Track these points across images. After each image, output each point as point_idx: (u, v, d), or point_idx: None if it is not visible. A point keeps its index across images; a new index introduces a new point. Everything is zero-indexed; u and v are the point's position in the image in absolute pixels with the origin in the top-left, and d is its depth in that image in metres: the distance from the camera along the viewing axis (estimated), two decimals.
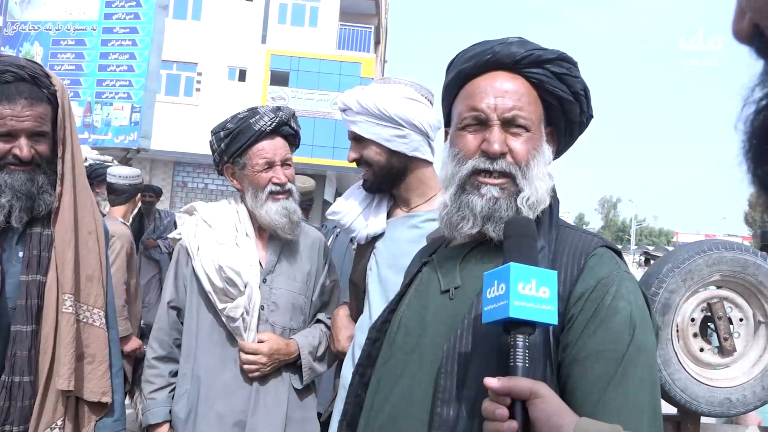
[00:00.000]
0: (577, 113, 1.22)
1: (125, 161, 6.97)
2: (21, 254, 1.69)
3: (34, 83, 1.64)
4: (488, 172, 1.15)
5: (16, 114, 1.59)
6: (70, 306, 1.69)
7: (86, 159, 4.91)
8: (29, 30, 7.32)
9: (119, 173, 4.35)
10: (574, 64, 1.21)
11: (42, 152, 1.67)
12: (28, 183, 1.65)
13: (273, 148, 1.98)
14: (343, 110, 1.89)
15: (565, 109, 1.21)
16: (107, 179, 4.31)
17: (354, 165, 1.93)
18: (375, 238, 1.90)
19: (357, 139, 1.85)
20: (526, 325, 0.94)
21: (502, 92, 1.16)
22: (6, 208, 1.64)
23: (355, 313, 1.95)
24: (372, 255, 1.88)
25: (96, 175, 4.70)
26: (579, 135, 1.28)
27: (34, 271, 1.67)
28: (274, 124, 1.97)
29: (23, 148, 1.62)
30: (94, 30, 7.09)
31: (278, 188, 1.98)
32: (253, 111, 2.01)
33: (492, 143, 1.14)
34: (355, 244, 2.05)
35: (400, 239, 1.84)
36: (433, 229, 1.76)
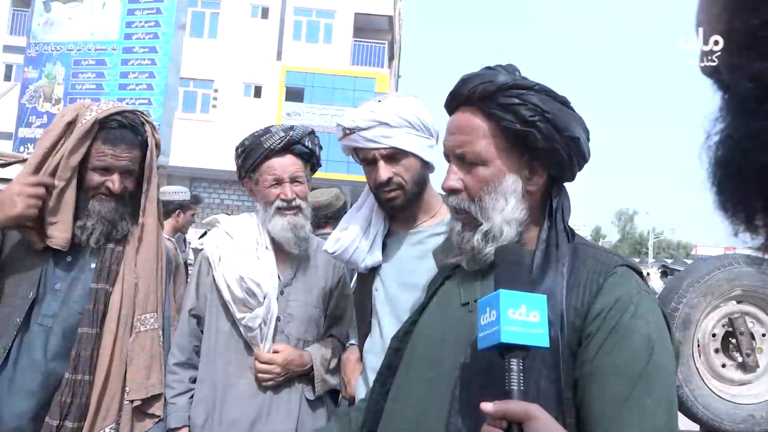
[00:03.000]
0: (536, 140, 1.15)
1: None
2: (93, 265, 1.93)
3: (132, 130, 1.95)
4: (454, 209, 1.23)
5: (116, 154, 1.90)
6: (153, 323, 1.97)
7: None
8: (51, 51, 7.48)
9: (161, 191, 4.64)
10: (529, 88, 1.16)
11: (129, 187, 1.97)
12: (113, 211, 1.93)
13: (282, 165, 2.04)
14: (366, 128, 1.76)
15: (521, 137, 1.17)
16: None
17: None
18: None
19: (390, 156, 1.77)
20: (519, 349, 0.95)
21: (455, 129, 1.22)
22: (89, 230, 1.90)
23: (363, 337, 1.94)
24: (377, 276, 1.87)
25: (176, 207, 4.83)
26: (569, 157, 1.19)
27: (104, 281, 1.90)
28: (283, 142, 2.03)
29: (116, 182, 1.91)
30: (115, 50, 7.22)
31: (285, 204, 2.03)
32: (266, 129, 2.08)
33: (445, 180, 1.22)
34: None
35: (406, 256, 1.83)
36: (438, 244, 1.78)
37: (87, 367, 1.82)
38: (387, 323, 1.80)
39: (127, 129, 1.93)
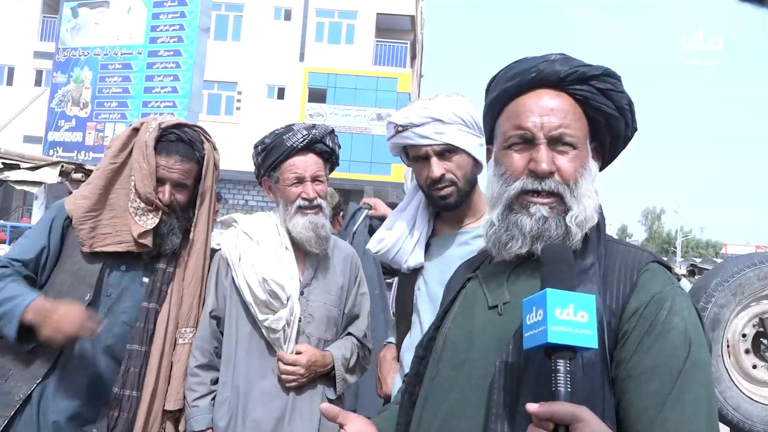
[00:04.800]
0: (623, 128, 1.22)
1: None
2: (145, 279, 1.99)
3: (190, 145, 1.99)
4: (536, 192, 1.14)
5: (168, 166, 1.95)
6: (191, 338, 2.03)
7: None
8: (79, 56, 7.63)
9: None
10: (618, 78, 1.20)
11: (180, 201, 2.00)
12: (161, 224, 1.95)
13: (304, 164, 2.04)
14: (420, 125, 1.77)
15: (610, 125, 1.21)
16: None
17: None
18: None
19: (442, 153, 1.77)
20: (566, 350, 0.93)
21: (548, 110, 1.15)
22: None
23: (402, 335, 1.94)
24: (420, 276, 1.87)
25: None
26: (623, 149, 1.27)
27: (155, 300, 1.97)
28: (306, 141, 2.03)
29: (165, 193, 1.95)
30: (140, 54, 7.35)
31: (306, 203, 2.03)
32: (288, 128, 2.08)
33: (539, 163, 1.13)
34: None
35: (451, 257, 1.81)
36: (483, 245, 1.77)
37: (136, 383, 1.89)
38: (428, 322, 1.79)
39: (184, 143, 1.97)
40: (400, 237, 1.87)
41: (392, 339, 2.03)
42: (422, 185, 1.84)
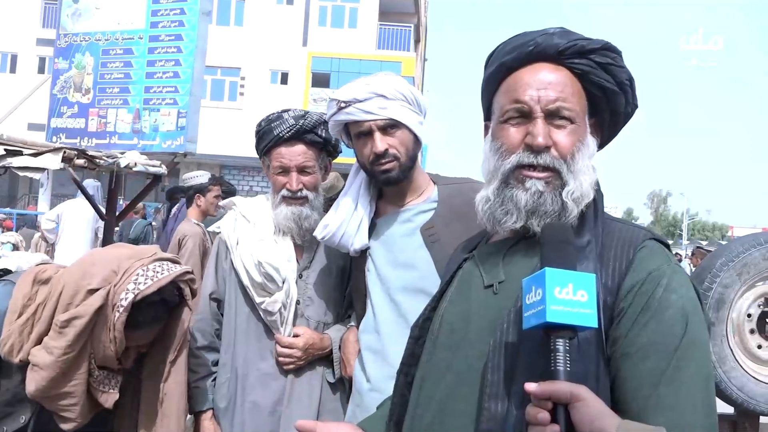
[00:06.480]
0: (623, 104, 1.20)
1: (173, 166, 7.17)
2: None
3: (164, 304, 1.66)
4: (532, 166, 1.12)
5: (136, 337, 1.65)
6: None
7: (136, 164, 5.06)
8: (80, 41, 7.61)
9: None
10: (619, 53, 1.18)
11: (144, 350, 1.74)
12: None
13: (290, 154, 2.01)
14: (364, 100, 1.77)
15: (609, 100, 1.19)
16: None
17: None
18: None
19: (385, 128, 1.78)
20: (566, 329, 0.92)
21: (546, 84, 1.14)
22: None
23: (359, 317, 1.95)
24: (368, 256, 1.88)
25: (194, 192, 4.86)
26: (623, 126, 1.26)
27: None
28: (292, 131, 2.00)
29: (130, 359, 1.70)
30: (141, 39, 7.31)
31: (290, 194, 2.02)
32: (279, 115, 2.05)
33: (536, 136, 1.11)
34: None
35: (394, 235, 1.84)
36: (426, 221, 1.79)
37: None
38: (378, 302, 1.81)
39: (159, 304, 1.65)
40: (343, 220, 1.86)
41: (354, 322, 2.04)
42: (364, 163, 1.83)
